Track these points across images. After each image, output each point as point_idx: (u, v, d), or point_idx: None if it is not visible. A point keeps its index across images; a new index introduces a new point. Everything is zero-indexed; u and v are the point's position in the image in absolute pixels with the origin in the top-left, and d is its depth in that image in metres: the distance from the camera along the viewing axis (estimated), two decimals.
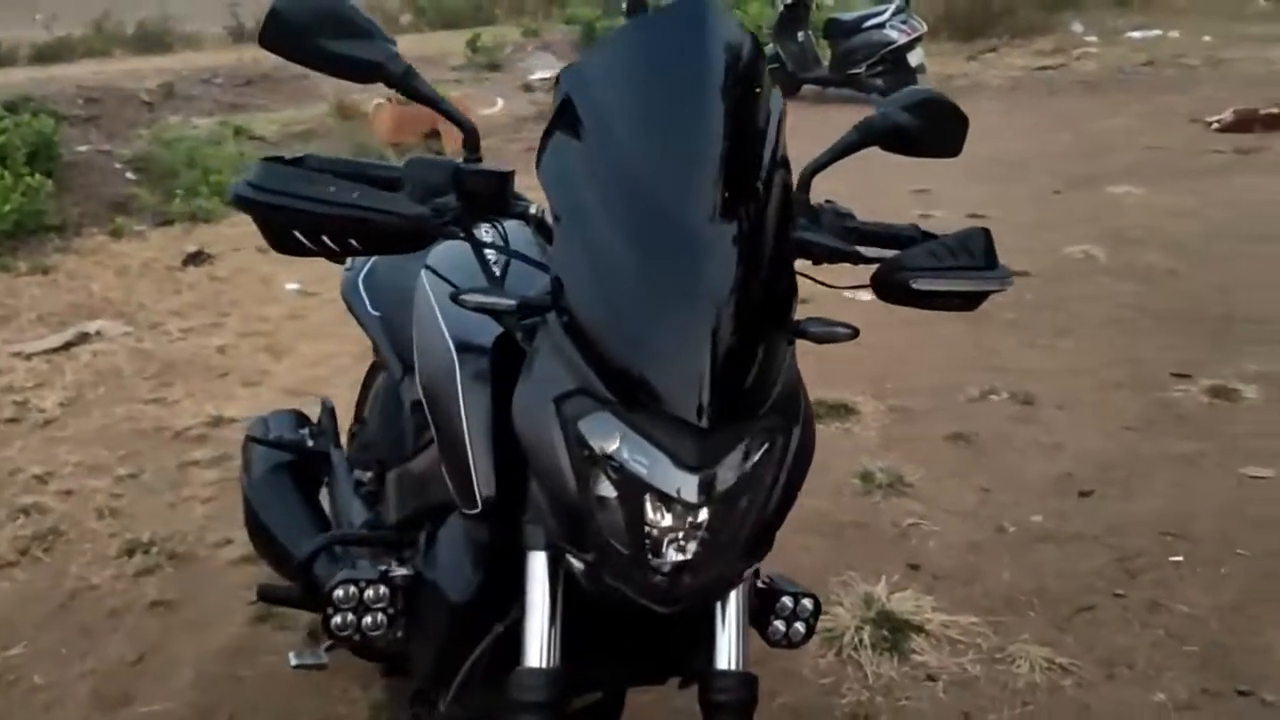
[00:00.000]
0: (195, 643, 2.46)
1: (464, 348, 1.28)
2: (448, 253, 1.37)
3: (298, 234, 1.12)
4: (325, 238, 1.12)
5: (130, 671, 2.38)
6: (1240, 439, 3.28)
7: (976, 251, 1.28)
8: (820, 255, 1.32)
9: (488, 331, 1.27)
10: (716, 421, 1.02)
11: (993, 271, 1.29)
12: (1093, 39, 13.42)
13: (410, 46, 7.47)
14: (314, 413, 2.40)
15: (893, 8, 10.19)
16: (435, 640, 1.35)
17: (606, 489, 1.05)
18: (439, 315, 1.33)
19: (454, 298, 1.16)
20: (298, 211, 1.10)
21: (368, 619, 1.36)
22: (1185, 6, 14.91)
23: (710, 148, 1.08)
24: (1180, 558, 2.67)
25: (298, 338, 4.70)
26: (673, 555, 1.06)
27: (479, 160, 1.22)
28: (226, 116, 10.23)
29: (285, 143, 9.35)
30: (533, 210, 1.25)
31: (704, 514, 1.05)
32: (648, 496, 1.04)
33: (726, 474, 1.05)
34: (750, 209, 1.08)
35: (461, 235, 1.21)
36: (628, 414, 1.04)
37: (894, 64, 9.89)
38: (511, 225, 1.32)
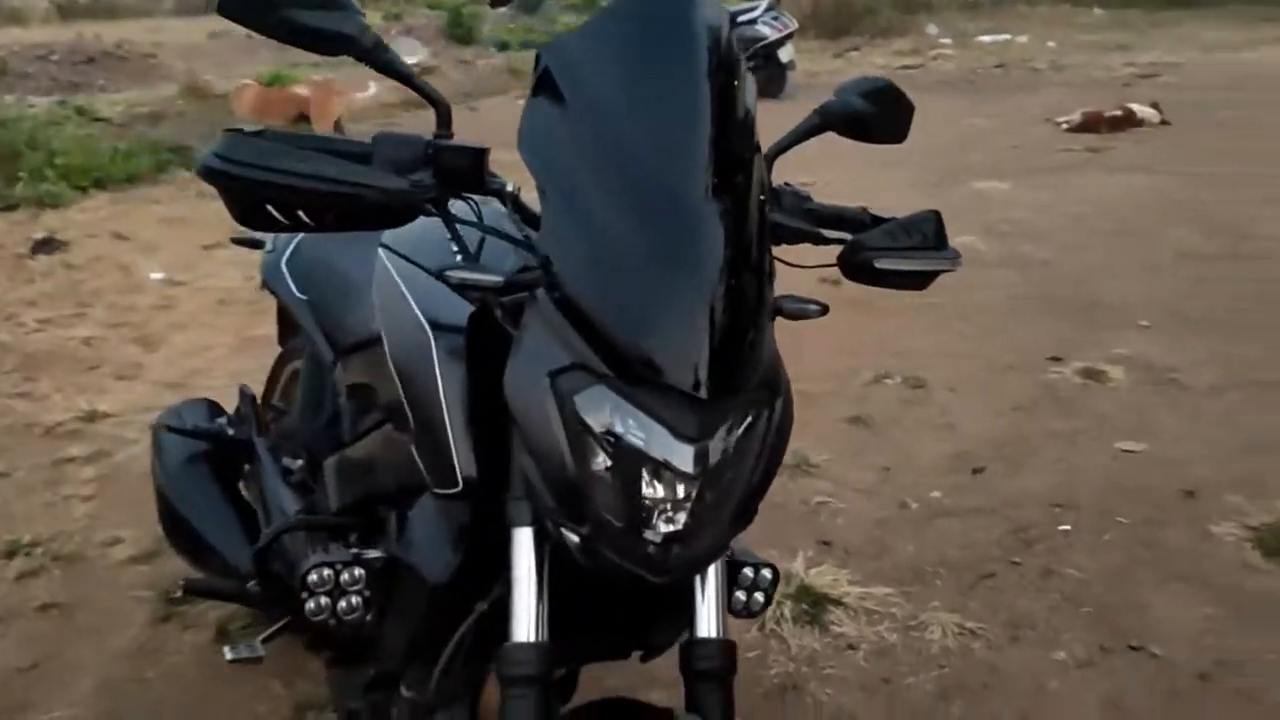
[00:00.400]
0: (94, 646, 2.33)
1: (438, 326, 1.25)
2: (403, 231, 1.27)
3: (270, 208, 1.08)
4: (301, 213, 1.09)
5: (24, 679, 2.23)
6: (1111, 417, 3.51)
7: (929, 233, 1.35)
8: (785, 236, 1.35)
9: (460, 310, 1.24)
10: (715, 394, 1.03)
11: (944, 252, 1.36)
12: (947, 41, 14.07)
13: None
14: (226, 402, 2.30)
15: (764, 5, 10.42)
16: (411, 622, 1.33)
17: (603, 462, 1.05)
18: (407, 295, 1.30)
19: (439, 275, 1.13)
20: (272, 185, 1.06)
21: (343, 602, 1.33)
22: (1029, 13, 15.81)
23: (701, 129, 1.08)
24: (1068, 527, 2.84)
25: (169, 329, 4.51)
26: (665, 526, 1.07)
27: (450, 137, 1.18)
28: (65, 96, 9.65)
29: (131, 125, 8.90)
30: (509, 188, 1.21)
31: (697, 485, 1.06)
32: (644, 469, 1.05)
33: (719, 445, 1.07)
34: (737, 189, 1.10)
35: (437, 212, 1.17)
36: (625, 387, 1.04)
37: (765, 60, 10.13)
38: (480, 202, 1.27)
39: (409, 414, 1.26)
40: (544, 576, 1.16)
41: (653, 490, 1.06)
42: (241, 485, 2.08)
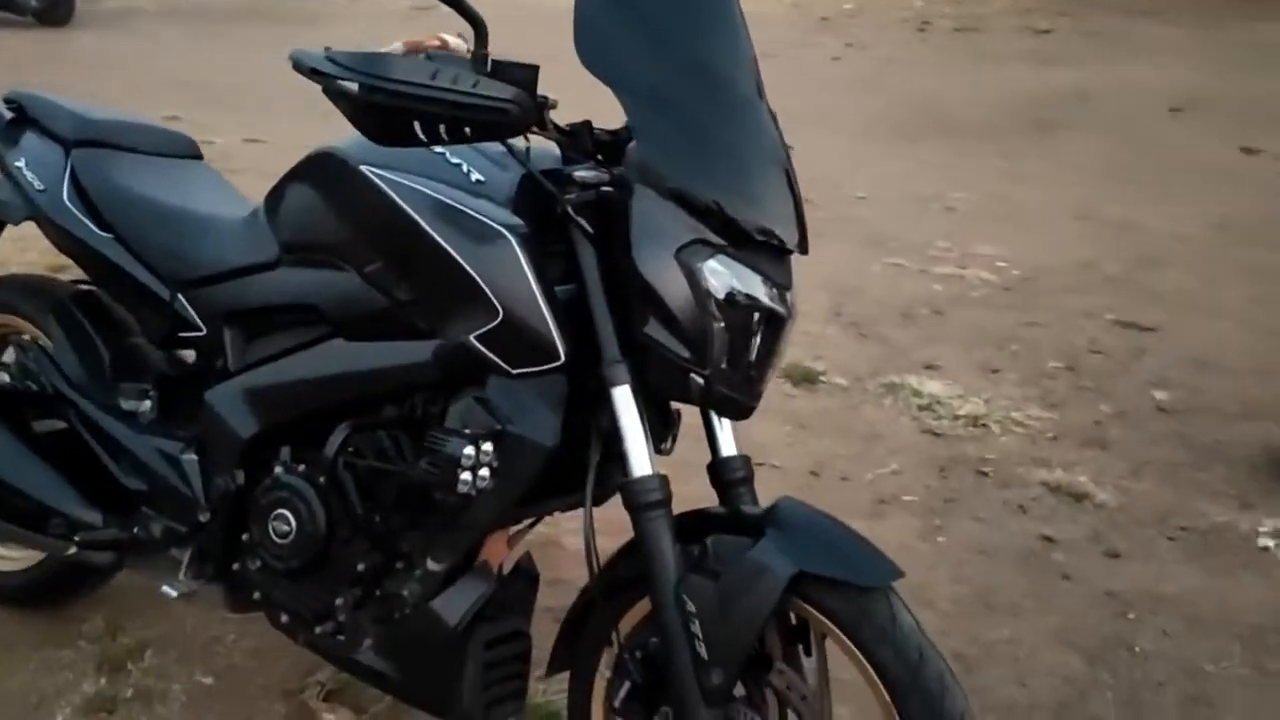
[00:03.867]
0: None
1: (511, 229, 1.40)
2: (377, 153, 1.45)
3: (417, 125, 1.27)
4: (442, 127, 1.28)
5: None
6: None
7: None
8: None
9: (508, 213, 1.42)
10: (803, 248, 1.39)
11: None
12: None
13: None
14: None
15: None
16: (521, 485, 1.45)
17: (724, 316, 1.33)
18: (465, 208, 1.43)
19: (563, 174, 1.41)
20: (428, 101, 1.25)
21: (480, 473, 1.41)
22: None
23: (744, 35, 1.42)
24: None
25: None
26: (758, 365, 1.38)
27: (487, 55, 1.38)
28: None
29: None
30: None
31: (787, 326, 1.40)
32: (755, 316, 1.35)
33: (793, 295, 1.41)
34: (761, 88, 1.43)
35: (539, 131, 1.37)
36: (736, 252, 1.34)
37: None
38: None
39: (496, 305, 1.39)
40: (645, 421, 1.38)
41: (757, 336, 1.36)
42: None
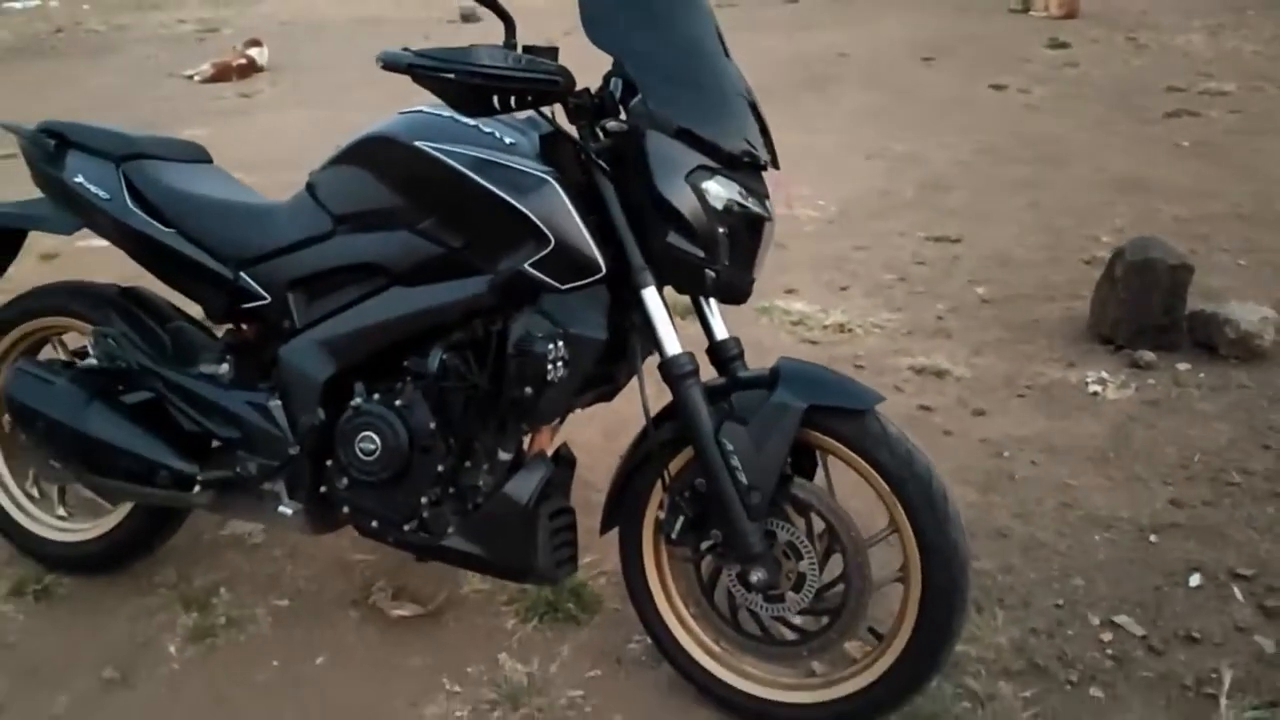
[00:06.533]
0: None
1: (549, 174, 1.73)
2: (424, 130, 1.80)
3: (495, 98, 1.60)
4: (512, 99, 1.61)
5: None
6: None
7: None
8: None
9: (540, 164, 1.75)
10: (775, 164, 1.78)
11: None
12: None
13: None
14: None
15: None
16: (581, 375, 1.78)
17: (727, 221, 1.69)
18: (509, 163, 1.74)
19: (605, 130, 1.72)
20: (506, 78, 1.59)
21: (560, 363, 1.74)
22: None
23: (708, 14, 1.79)
24: None
25: None
26: (754, 262, 1.75)
27: (516, 44, 1.74)
28: None
29: None
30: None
31: (771, 228, 1.77)
32: (749, 222, 1.71)
33: (770, 202, 1.77)
34: (728, 49, 1.80)
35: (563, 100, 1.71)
36: (730, 172, 1.70)
37: None
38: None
39: (548, 235, 1.71)
40: (671, 315, 1.73)
41: (752, 237, 1.73)
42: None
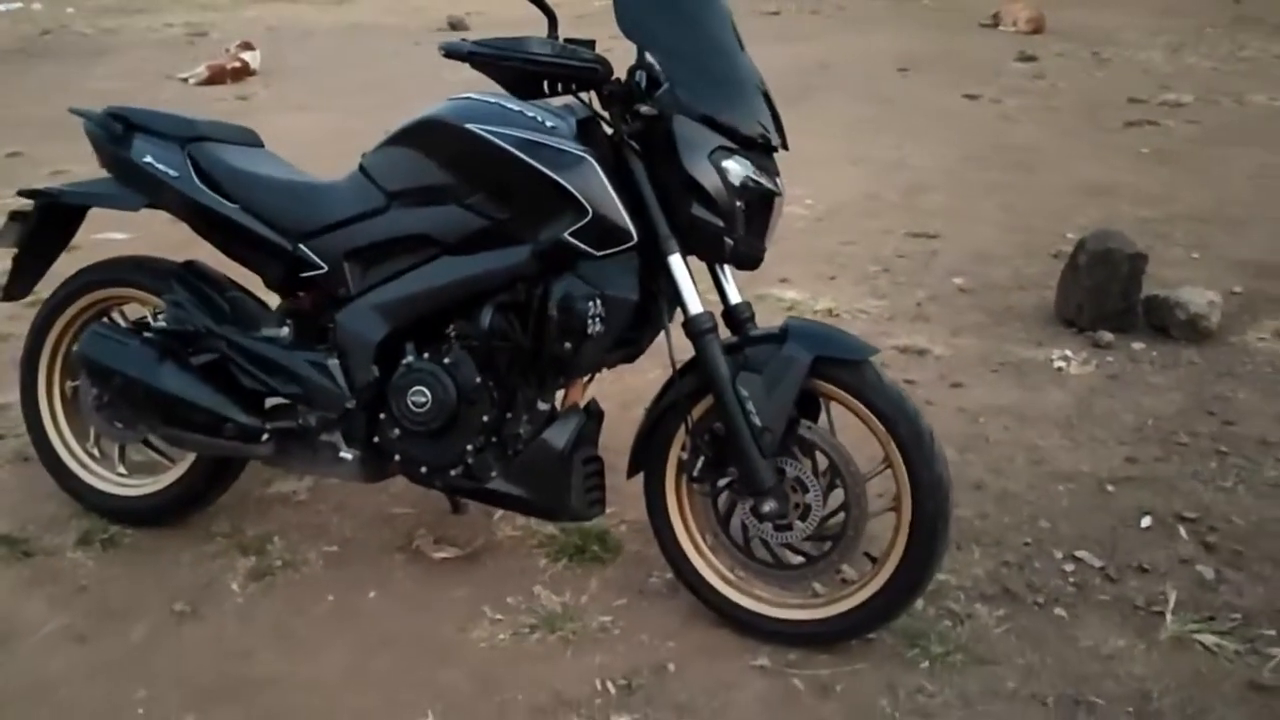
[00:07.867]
0: None
1: (587, 153, 1.97)
2: (473, 114, 2.04)
3: (545, 84, 1.87)
4: (560, 84, 1.88)
5: None
6: None
7: None
8: None
9: (579, 144, 1.98)
10: (785, 146, 2.03)
11: None
12: None
13: None
14: None
15: None
16: (615, 331, 2.02)
17: (744, 196, 1.94)
18: (552, 143, 1.97)
19: (641, 115, 1.94)
20: (554, 65, 1.86)
21: (597, 319, 1.99)
22: None
23: (725, 10, 2.03)
24: None
25: None
26: (767, 233, 2.02)
27: (558, 36, 1.98)
28: None
29: None
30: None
31: (780, 202, 2.03)
32: (763, 197, 1.96)
33: (780, 179, 2.04)
34: (743, 42, 2.06)
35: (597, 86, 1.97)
36: (747, 153, 1.95)
37: None
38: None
39: (587, 207, 1.94)
40: (693, 278, 1.97)
41: (765, 210, 1.98)
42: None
